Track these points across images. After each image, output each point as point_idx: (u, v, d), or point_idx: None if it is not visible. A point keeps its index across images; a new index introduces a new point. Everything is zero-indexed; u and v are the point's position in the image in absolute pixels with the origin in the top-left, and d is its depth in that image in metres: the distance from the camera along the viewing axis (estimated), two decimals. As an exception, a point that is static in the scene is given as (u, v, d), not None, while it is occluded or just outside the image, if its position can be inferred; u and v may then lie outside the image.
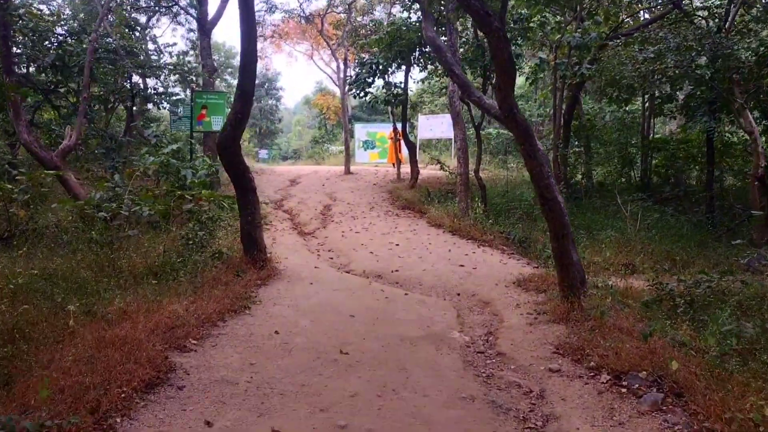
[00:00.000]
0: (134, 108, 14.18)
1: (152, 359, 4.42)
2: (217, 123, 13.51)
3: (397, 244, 9.92)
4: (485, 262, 8.69)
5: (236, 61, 41.43)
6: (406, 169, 17.82)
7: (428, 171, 19.25)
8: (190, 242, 7.90)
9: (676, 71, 10.26)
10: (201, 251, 7.76)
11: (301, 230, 11.67)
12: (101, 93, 12.98)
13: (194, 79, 14.36)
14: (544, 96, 16.65)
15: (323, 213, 13.21)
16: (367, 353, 5.02)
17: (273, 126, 46.02)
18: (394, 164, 20.52)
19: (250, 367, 4.61)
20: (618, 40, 11.52)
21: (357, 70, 16.86)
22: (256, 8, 23.22)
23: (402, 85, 16.46)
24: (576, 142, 15.42)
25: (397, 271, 8.22)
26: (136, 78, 14.26)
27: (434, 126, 24.51)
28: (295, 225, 12.12)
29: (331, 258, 9.23)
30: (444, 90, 15.96)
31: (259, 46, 32.97)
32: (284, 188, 16.62)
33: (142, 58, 13.58)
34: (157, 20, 22.45)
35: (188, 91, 14.81)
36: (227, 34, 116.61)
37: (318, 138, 38.95)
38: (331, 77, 32.45)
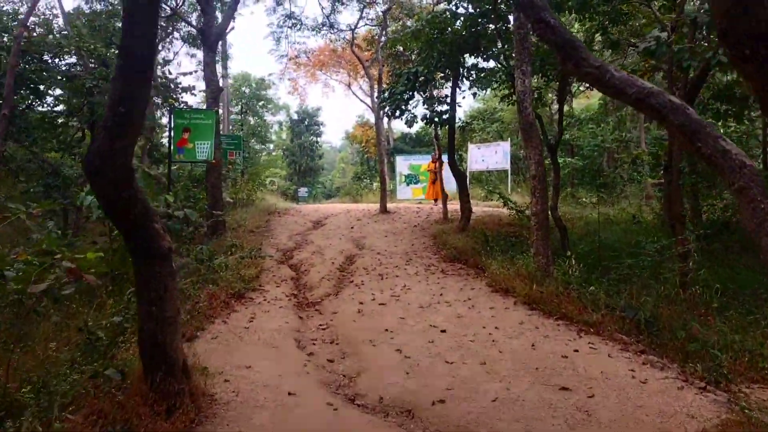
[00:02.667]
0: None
1: None
2: (203, 150, 10.23)
3: (443, 331, 6.09)
4: (605, 376, 4.72)
5: (271, 92, 39.24)
6: (454, 206, 14.13)
7: (482, 208, 15.47)
8: (97, 342, 4.54)
9: None
10: (100, 360, 4.35)
11: (303, 298, 8.01)
12: (57, 114, 9.93)
13: (177, 97, 11.18)
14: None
15: (342, 269, 9.56)
16: None
17: (313, 163, 43.64)
18: (435, 200, 16.97)
19: None
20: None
21: (392, 83, 13.42)
22: (277, 23, 20.49)
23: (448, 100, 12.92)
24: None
25: (442, 401, 4.34)
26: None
27: (486, 156, 21.45)
28: (297, 289, 8.50)
29: (331, 362, 5.41)
30: (506, 100, 12.21)
31: (292, 74, 30.68)
32: (303, 232, 13.14)
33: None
34: (171, 42, 19.97)
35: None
36: (260, 62, 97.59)
37: (359, 174, 35.82)
38: (370, 107, 29.53)
